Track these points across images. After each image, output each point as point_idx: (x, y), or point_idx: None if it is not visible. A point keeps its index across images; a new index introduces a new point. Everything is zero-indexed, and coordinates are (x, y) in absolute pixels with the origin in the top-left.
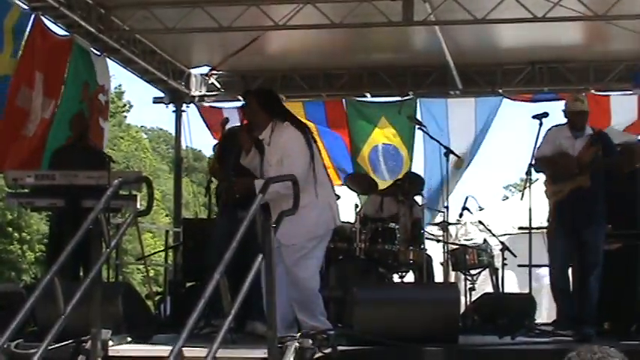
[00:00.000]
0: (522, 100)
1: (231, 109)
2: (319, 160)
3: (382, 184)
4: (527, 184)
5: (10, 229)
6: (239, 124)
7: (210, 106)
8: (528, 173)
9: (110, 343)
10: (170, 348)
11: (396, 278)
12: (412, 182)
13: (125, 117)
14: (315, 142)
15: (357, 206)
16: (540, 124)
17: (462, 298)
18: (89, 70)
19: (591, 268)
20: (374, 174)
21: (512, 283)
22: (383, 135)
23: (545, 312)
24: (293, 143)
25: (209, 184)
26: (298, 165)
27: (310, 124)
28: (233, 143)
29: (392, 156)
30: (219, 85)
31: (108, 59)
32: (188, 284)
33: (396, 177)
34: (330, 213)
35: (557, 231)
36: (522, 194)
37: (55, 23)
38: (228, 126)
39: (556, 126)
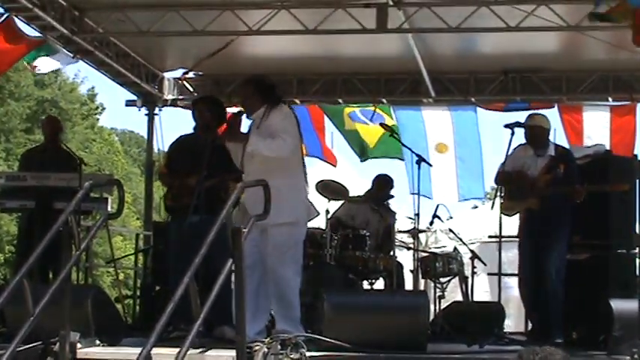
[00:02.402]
0: (495, 110)
1: None
2: (302, 153)
3: (365, 130)
4: (498, 194)
5: None
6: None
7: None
8: (498, 183)
9: (79, 345)
10: (139, 351)
11: (365, 285)
12: (381, 185)
13: (98, 119)
14: (301, 134)
15: (327, 212)
16: (512, 134)
17: (432, 306)
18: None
19: (555, 280)
20: (360, 123)
21: (481, 292)
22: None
23: (514, 321)
24: (288, 122)
25: (162, 180)
26: (290, 142)
27: None
28: (183, 151)
29: (370, 113)
30: (192, 89)
31: (81, 61)
32: (158, 288)
33: (380, 122)
34: (305, 205)
35: (524, 242)
36: (492, 203)
37: (28, 25)
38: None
39: (522, 144)
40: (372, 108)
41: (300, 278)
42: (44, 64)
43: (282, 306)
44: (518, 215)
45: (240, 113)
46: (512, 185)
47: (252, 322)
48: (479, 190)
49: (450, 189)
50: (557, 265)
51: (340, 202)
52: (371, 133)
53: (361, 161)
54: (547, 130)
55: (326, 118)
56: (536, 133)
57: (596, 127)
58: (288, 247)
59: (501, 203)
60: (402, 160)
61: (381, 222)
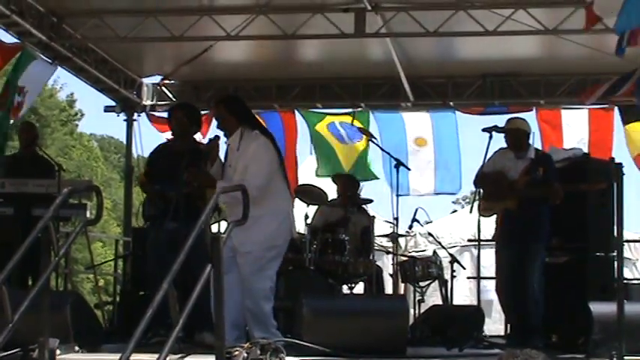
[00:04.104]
0: (473, 113)
1: None
2: (283, 170)
3: (345, 150)
4: (476, 197)
5: None
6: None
7: (161, 117)
8: (477, 186)
9: (58, 352)
10: (118, 357)
11: (345, 289)
12: (346, 185)
13: (77, 125)
14: (280, 151)
15: (306, 217)
16: (490, 137)
17: (411, 310)
18: (18, 73)
19: (532, 282)
20: (338, 141)
21: (461, 295)
22: (336, 118)
23: (494, 324)
24: (261, 151)
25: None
26: (263, 173)
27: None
28: (161, 158)
29: (349, 127)
30: (170, 95)
31: (59, 67)
32: (137, 293)
33: (358, 141)
34: (289, 223)
35: (502, 244)
36: (471, 207)
37: (6, 31)
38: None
39: (503, 148)
40: (350, 119)
41: (273, 290)
42: (31, 87)
43: (258, 316)
44: (495, 217)
45: (217, 138)
46: (490, 186)
47: (232, 328)
48: (454, 186)
49: (426, 181)
50: (537, 272)
51: (315, 208)
52: (347, 152)
53: (316, 176)
54: (527, 133)
55: (299, 125)
56: (516, 137)
57: (575, 129)
58: (267, 260)
59: (479, 204)
60: (377, 178)
61: (357, 225)
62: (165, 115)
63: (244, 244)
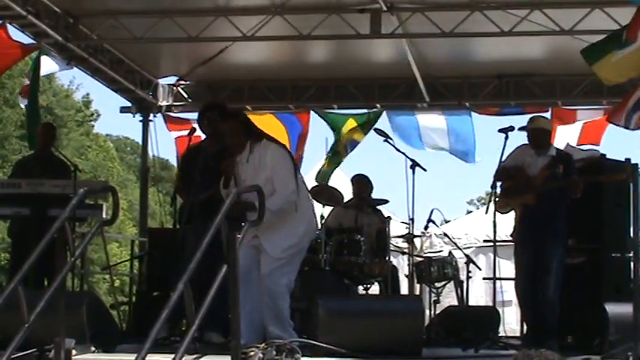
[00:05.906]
0: (488, 114)
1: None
2: (299, 172)
3: None
4: (492, 198)
5: None
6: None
7: (177, 117)
8: (493, 187)
9: (74, 352)
10: (134, 357)
11: (361, 290)
12: (359, 186)
13: (93, 126)
14: (290, 153)
15: (322, 217)
16: (506, 138)
17: (427, 311)
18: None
19: (549, 282)
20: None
21: (477, 296)
22: (349, 135)
23: (509, 325)
24: (280, 161)
25: (175, 194)
26: (289, 181)
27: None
28: (194, 161)
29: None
30: (186, 95)
31: (75, 68)
32: (153, 294)
33: (374, 128)
34: (315, 222)
35: (519, 245)
36: (487, 208)
37: (22, 32)
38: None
39: (524, 144)
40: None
41: (291, 290)
42: (43, 67)
43: (274, 312)
44: (513, 217)
45: (231, 157)
46: (509, 180)
47: (250, 332)
48: (470, 157)
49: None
50: (555, 273)
51: (330, 209)
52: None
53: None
54: (548, 131)
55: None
56: (539, 136)
57: (591, 128)
58: (289, 258)
59: (497, 201)
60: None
61: (372, 226)
62: (181, 115)
63: (274, 248)
